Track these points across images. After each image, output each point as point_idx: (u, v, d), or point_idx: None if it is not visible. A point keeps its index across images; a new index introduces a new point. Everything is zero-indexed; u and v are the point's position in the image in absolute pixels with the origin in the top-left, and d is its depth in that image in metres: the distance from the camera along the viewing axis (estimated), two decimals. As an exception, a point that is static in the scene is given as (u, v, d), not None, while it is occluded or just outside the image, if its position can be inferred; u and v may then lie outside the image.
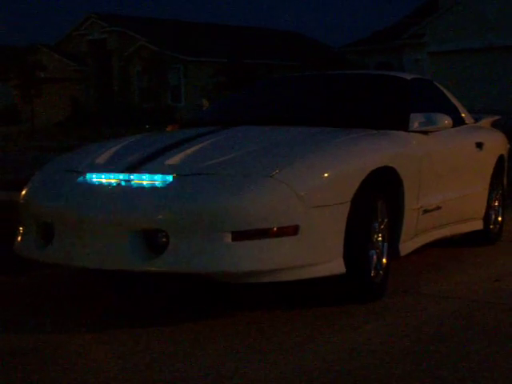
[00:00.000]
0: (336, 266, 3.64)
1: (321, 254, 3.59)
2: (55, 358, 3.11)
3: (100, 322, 3.64)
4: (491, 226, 5.72)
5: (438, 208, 4.69)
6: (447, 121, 4.55)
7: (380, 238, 4.00)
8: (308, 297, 4.06)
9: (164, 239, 3.43)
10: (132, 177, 3.67)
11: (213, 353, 3.15)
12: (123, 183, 3.66)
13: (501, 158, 5.85)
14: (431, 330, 3.46)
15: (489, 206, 5.62)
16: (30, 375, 2.92)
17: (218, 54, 35.22)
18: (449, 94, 5.69)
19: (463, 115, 5.63)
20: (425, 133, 4.58)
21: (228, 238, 3.37)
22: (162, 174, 3.63)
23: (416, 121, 4.51)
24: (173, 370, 2.95)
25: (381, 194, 3.99)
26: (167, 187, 3.53)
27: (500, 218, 5.91)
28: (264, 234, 3.42)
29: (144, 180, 3.64)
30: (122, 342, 3.31)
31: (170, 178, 3.59)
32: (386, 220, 4.04)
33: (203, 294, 4.21)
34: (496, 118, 6.40)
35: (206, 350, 3.19)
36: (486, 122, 6.09)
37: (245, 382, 2.84)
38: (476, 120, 5.91)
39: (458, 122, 5.27)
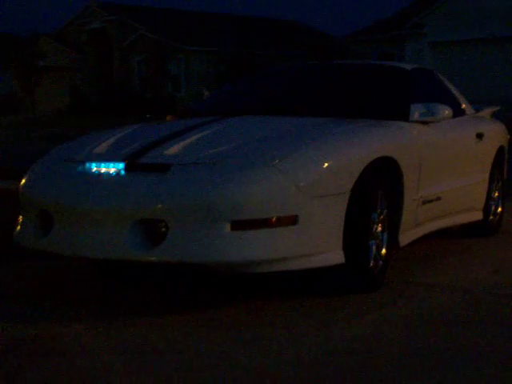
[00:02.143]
0: (335, 256, 3.64)
1: (320, 244, 3.58)
2: (52, 347, 3.11)
3: (98, 312, 3.63)
4: (491, 217, 5.73)
5: (438, 199, 4.68)
6: (447, 111, 4.54)
7: (379, 229, 3.99)
8: (306, 287, 4.06)
9: (163, 229, 3.43)
10: (131, 166, 3.67)
11: (211, 343, 3.15)
12: (122, 173, 3.65)
13: (501, 148, 5.85)
14: (430, 321, 3.46)
15: (488, 197, 5.62)
16: (27, 365, 2.93)
17: (219, 43, 35.13)
18: (449, 85, 5.68)
19: (463, 106, 5.62)
20: (425, 123, 4.57)
21: (227, 227, 3.37)
22: (162, 163, 3.63)
23: (416, 111, 4.50)
24: (172, 361, 2.95)
25: (380, 185, 3.98)
26: (166, 177, 3.53)
27: (500, 209, 5.91)
28: (263, 223, 3.41)
29: (143, 170, 3.64)
30: (121, 332, 3.31)
31: (169, 167, 3.58)
32: (385, 210, 4.03)
33: (204, 283, 4.21)
34: (496, 108, 6.39)
35: (201, 340, 3.19)
36: (486, 112, 6.08)
37: (244, 371, 2.84)
38: (476, 110, 5.90)
39: (458, 112, 5.26)
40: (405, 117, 4.49)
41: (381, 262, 4.00)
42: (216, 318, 3.49)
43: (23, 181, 4.10)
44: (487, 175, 5.56)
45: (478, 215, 5.50)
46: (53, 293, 4.01)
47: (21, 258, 4.61)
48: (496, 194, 5.85)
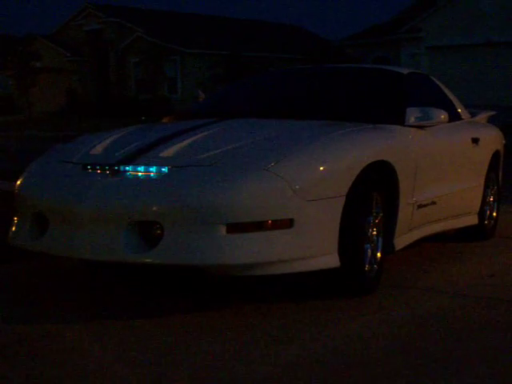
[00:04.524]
0: (330, 259, 3.64)
1: (315, 248, 3.59)
2: (49, 349, 3.10)
3: (95, 313, 3.62)
4: (486, 222, 5.74)
5: (433, 203, 4.69)
6: (443, 116, 4.55)
7: (375, 232, 4.00)
8: (301, 290, 4.06)
9: (158, 231, 3.43)
10: (127, 168, 3.66)
11: (208, 345, 3.15)
12: (118, 175, 3.65)
13: (496, 153, 5.86)
14: (424, 325, 3.46)
15: (484, 202, 5.63)
16: (23, 367, 2.92)
17: (216, 46, 35.17)
18: (445, 89, 5.69)
19: (459, 110, 5.63)
20: (421, 127, 4.58)
21: (223, 230, 3.37)
22: (157, 165, 3.62)
23: (412, 115, 4.52)
24: (169, 362, 2.95)
25: (376, 188, 3.99)
26: (162, 179, 3.53)
27: (495, 214, 5.92)
28: (259, 226, 3.42)
29: (139, 172, 3.63)
30: (117, 333, 3.30)
31: (165, 169, 3.58)
32: (380, 214, 4.04)
33: (201, 286, 4.21)
34: (492, 113, 6.41)
35: (199, 342, 3.19)
36: (482, 117, 6.10)
37: (241, 374, 2.84)
38: (472, 115, 5.91)
39: (454, 117, 5.28)
40: (400, 121, 4.50)
41: (376, 265, 4.00)
42: (214, 320, 3.49)
43: (19, 181, 4.09)
44: (482, 180, 5.57)
45: (474, 220, 5.51)
46: (47, 294, 4.00)
47: (16, 259, 4.60)
48: (491, 199, 5.87)
